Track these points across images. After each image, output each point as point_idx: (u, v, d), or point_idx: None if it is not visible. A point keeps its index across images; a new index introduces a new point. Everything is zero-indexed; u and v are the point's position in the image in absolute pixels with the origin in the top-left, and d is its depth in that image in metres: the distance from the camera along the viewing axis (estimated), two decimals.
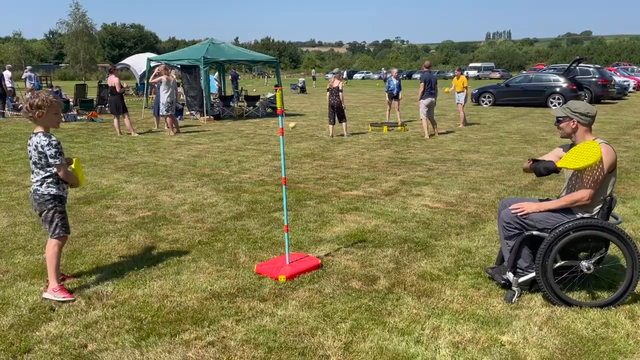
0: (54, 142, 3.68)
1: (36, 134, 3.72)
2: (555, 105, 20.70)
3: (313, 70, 52.97)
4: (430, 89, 12.70)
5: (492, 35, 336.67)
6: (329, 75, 76.86)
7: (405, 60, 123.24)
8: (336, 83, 12.72)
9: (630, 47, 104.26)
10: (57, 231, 3.82)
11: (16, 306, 3.69)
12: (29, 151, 3.77)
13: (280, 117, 4.31)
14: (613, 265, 4.33)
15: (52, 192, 3.79)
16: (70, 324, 3.44)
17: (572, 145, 3.87)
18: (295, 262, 4.34)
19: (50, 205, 3.79)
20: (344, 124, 12.90)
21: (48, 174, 3.77)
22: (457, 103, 15.13)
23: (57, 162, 3.71)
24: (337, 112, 12.71)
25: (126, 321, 3.47)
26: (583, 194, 3.64)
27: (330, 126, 12.88)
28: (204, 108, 16.87)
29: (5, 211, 6.15)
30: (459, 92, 14.93)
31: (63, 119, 16.55)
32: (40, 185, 3.77)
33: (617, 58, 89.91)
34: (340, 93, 12.64)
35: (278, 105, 4.24)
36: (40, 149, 3.68)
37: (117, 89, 12.94)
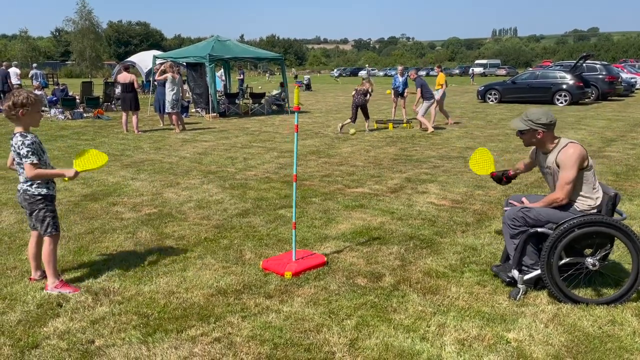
0: (27, 142, 3.64)
1: (15, 134, 3.71)
2: (561, 103, 20.61)
3: (306, 77, 40.18)
4: (428, 90, 13.47)
5: (498, 32, 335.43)
6: (334, 72, 76.93)
7: (411, 57, 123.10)
8: (366, 86, 13.19)
9: (638, 44, 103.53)
10: (49, 230, 3.85)
11: (24, 302, 3.72)
12: (13, 152, 3.75)
13: (296, 114, 4.31)
14: (619, 262, 4.31)
15: (42, 193, 3.80)
16: (77, 319, 3.46)
17: (537, 150, 3.98)
18: (301, 259, 4.35)
19: (41, 205, 3.82)
20: (367, 121, 13.37)
21: None
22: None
23: (27, 162, 3.64)
24: (362, 110, 13.12)
25: (133, 317, 3.49)
26: (558, 195, 3.69)
27: (349, 120, 13.20)
28: (209, 105, 16.90)
29: (13, 208, 6.19)
30: (436, 89, 14.74)
31: (69, 117, 16.62)
32: (30, 185, 3.79)
33: (624, 55, 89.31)
34: (368, 95, 13.16)
35: (295, 102, 4.25)
36: (18, 150, 3.67)
37: (136, 85, 13.04)
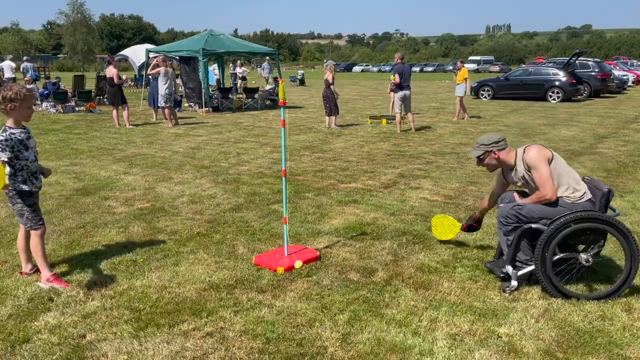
0: (1, 138, 3.60)
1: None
2: (554, 100, 20.70)
3: (300, 72, 37.70)
4: (403, 82, 12.06)
5: (492, 28, 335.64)
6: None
7: (405, 53, 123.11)
8: (326, 75, 12.80)
9: (630, 41, 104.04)
10: (28, 224, 3.84)
11: (15, 296, 3.70)
12: None
13: (282, 109, 4.29)
14: (610, 258, 4.34)
15: (17, 188, 3.76)
16: (68, 314, 3.45)
17: (502, 171, 4.11)
18: (293, 254, 4.35)
19: (18, 200, 3.79)
20: (333, 116, 12.98)
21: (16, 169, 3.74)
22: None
23: None
24: (328, 104, 12.79)
25: (125, 312, 3.48)
26: (545, 193, 3.71)
27: (327, 117, 12.99)
28: (202, 100, 16.83)
29: (3, 202, 6.14)
30: (457, 84, 14.88)
31: (60, 110, 16.51)
32: (9, 180, 3.76)
33: (616, 52, 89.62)
34: (331, 86, 12.63)
35: (280, 97, 4.20)
36: None
37: (116, 80, 12.88)
